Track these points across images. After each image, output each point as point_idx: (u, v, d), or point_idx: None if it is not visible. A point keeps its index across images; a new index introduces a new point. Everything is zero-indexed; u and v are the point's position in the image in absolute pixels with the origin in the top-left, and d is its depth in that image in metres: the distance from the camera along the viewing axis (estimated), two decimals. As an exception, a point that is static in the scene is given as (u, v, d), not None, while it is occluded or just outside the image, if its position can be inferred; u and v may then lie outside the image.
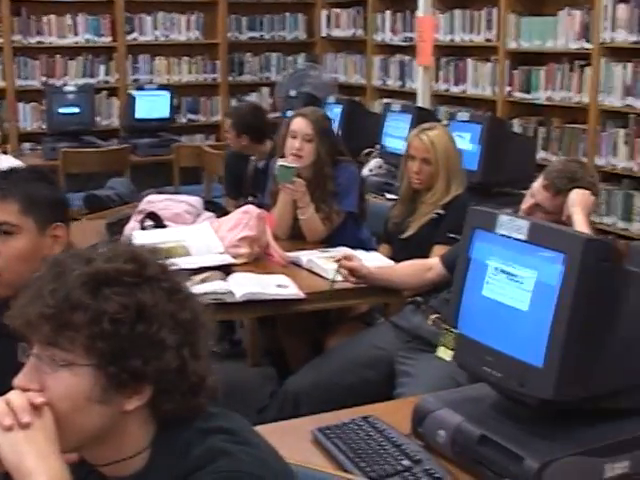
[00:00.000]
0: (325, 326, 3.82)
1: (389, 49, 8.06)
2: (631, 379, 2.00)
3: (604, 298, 1.93)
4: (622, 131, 5.73)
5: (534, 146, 5.78)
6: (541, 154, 6.23)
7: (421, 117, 5.28)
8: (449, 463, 2.10)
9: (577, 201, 3.09)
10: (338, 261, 3.39)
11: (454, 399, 2.24)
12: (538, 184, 3.20)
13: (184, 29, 8.46)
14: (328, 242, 4.02)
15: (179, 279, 1.47)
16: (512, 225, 2.04)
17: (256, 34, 8.81)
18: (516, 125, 6.55)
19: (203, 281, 3.33)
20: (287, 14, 8.91)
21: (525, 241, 2.00)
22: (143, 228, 3.94)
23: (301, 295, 3.29)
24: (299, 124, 4.07)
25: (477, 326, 2.12)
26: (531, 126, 6.46)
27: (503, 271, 2.05)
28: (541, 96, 6.35)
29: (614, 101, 5.74)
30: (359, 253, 3.66)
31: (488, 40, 6.81)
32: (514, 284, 2.01)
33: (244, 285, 3.28)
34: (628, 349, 1.98)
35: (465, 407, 2.16)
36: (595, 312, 1.92)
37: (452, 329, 2.18)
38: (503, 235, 2.06)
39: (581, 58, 6.03)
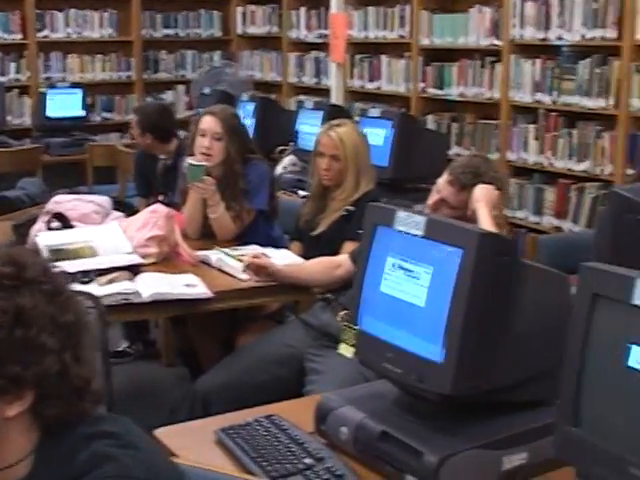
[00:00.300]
0: (236, 325, 3.80)
1: (304, 46, 8.06)
2: (528, 371, 2.02)
3: (501, 292, 1.94)
4: (532, 126, 5.82)
5: (445, 141, 5.84)
6: (455, 149, 6.31)
7: (334, 114, 5.29)
8: (352, 460, 2.10)
9: (481, 196, 3.12)
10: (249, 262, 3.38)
11: (357, 396, 2.24)
12: (443, 180, 3.22)
13: (97, 26, 8.34)
14: (239, 240, 3.99)
15: (61, 281, 1.43)
16: (410, 221, 2.04)
17: (171, 31, 8.73)
18: (430, 121, 6.62)
19: (111, 281, 3.29)
20: (202, 11, 8.85)
21: (422, 237, 2.00)
22: (50, 229, 3.87)
23: (209, 294, 3.26)
24: (208, 123, 4.04)
25: (377, 322, 2.12)
26: (444, 122, 6.53)
27: (400, 267, 2.05)
28: (454, 92, 6.42)
29: (524, 97, 5.83)
30: (269, 251, 3.66)
31: (401, 37, 6.85)
32: (411, 280, 2.02)
33: (151, 285, 3.25)
34: (525, 342, 2.00)
35: (367, 404, 2.16)
36: (492, 306, 1.93)
37: (353, 326, 2.18)
38: (401, 231, 2.06)
39: (492, 54, 6.11)
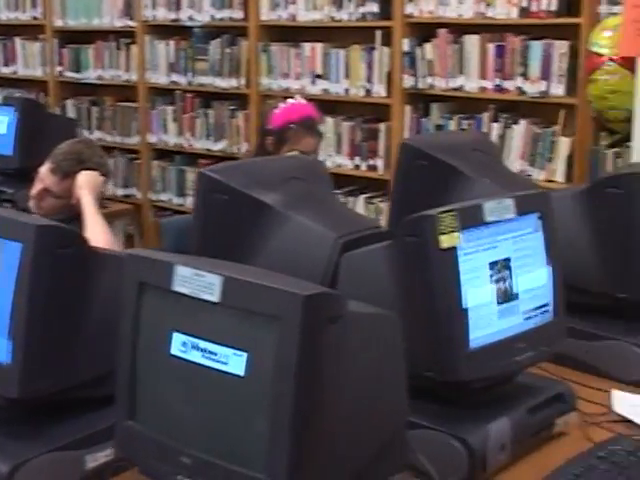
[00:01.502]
0: None
1: None
2: (105, 366, 1.94)
3: (68, 286, 1.84)
4: (170, 108, 5.80)
5: (74, 126, 5.65)
6: (97, 134, 6.17)
7: (-46, 101, 4.95)
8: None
9: (85, 183, 3.03)
10: None
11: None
12: (45, 168, 3.09)
13: None
14: None
15: None
16: (-32, 216, 1.90)
17: None
18: (69, 105, 6.43)
19: None
20: None
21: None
22: None
23: None
24: None
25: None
26: (84, 106, 6.36)
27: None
28: (91, 75, 6.27)
29: (160, 78, 5.80)
30: None
31: (35, 18, 6.58)
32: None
33: None
34: (103, 335, 1.92)
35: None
36: (59, 302, 1.83)
37: None
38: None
39: (127, 36, 6.01)
